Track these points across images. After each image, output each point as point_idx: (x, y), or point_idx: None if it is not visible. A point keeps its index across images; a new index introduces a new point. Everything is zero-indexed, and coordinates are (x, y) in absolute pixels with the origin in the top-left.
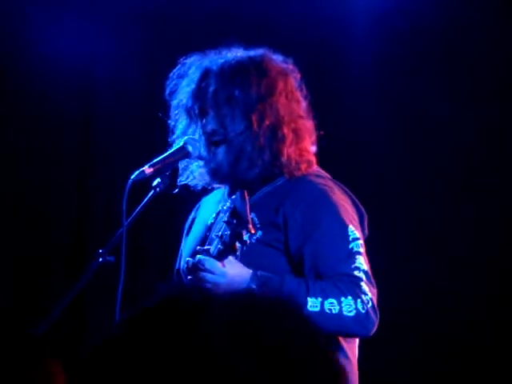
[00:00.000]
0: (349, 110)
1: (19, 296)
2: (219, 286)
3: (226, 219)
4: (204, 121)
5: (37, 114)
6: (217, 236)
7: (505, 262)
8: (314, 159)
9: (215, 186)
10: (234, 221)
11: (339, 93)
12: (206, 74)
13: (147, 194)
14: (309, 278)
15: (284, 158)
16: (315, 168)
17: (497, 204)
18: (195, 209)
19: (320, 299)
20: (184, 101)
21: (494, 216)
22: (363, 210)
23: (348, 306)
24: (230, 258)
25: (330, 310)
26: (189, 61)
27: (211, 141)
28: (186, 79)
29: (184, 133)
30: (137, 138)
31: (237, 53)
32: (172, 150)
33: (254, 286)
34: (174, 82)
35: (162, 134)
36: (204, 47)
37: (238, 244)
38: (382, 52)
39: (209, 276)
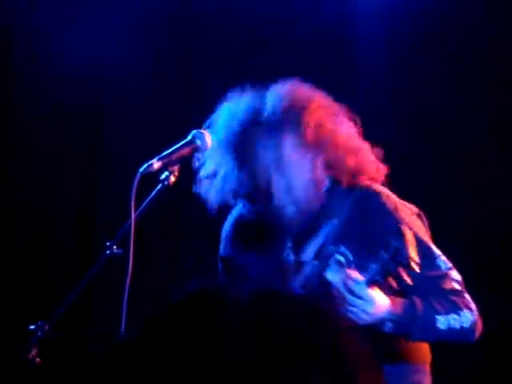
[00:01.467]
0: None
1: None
2: (367, 313)
3: (387, 255)
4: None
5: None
6: (373, 267)
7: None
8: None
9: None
10: (399, 259)
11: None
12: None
13: (155, 188)
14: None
15: (340, 177)
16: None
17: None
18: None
19: (445, 316)
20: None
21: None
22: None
23: (466, 319)
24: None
25: (454, 325)
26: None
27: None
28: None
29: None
30: (147, 130)
31: (276, 96)
32: (180, 144)
33: (393, 316)
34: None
35: (172, 127)
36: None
37: (395, 281)
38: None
39: (357, 302)
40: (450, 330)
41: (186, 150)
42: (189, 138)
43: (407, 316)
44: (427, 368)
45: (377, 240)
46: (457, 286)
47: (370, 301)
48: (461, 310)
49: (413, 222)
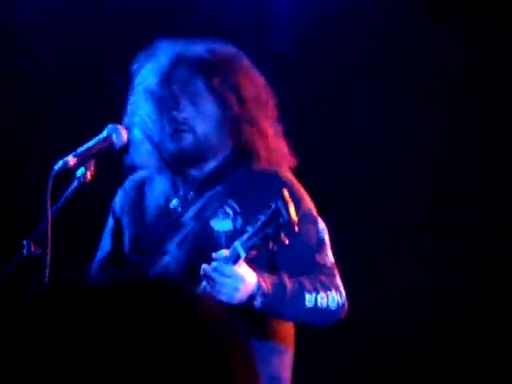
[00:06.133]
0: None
1: None
2: (238, 290)
3: (265, 217)
4: (174, 108)
5: None
6: (250, 230)
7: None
8: (279, 154)
9: (159, 172)
10: (280, 220)
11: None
12: (179, 61)
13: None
14: (285, 271)
15: (250, 152)
16: (276, 161)
17: None
18: (130, 188)
19: (314, 294)
20: (152, 86)
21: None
22: None
23: (332, 300)
24: (241, 261)
25: (321, 304)
26: (158, 44)
27: (178, 129)
28: (152, 62)
29: (148, 117)
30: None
31: (210, 44)
32: (96, 140)
33: (263, 291)
34: (138, 63)
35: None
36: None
37: (273, 243)
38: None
39: (226, 280)
40: (316, 308)
41: (101, 145)
42: (104, 133)
43: (277, 291)
44: (291, 350)
45: (260, 208)
46: (329, 264)
47: (238, 278)
48: (329, 289)
49: (306, 198)
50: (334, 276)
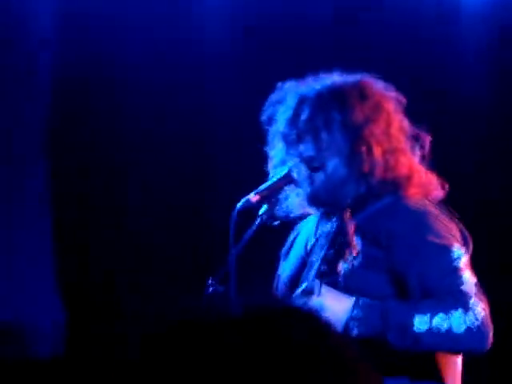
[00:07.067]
0: None
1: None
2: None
3: (329, 239)
4: (301, 147)
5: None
6: (319, 258)
7: None
8: (412, 182)
9: (312, 212)
10: (338, 241)
11: None
12: (302, 100)
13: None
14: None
15: (382, 183)
16: (414, 190)
17: None
18: (293, 232)
19: (429, 315)
20: (281, 128)
21: None
22: (467, 233)
23: (458, 320)
24: (325, 288)
25: (439, 327)
26: (286, 86)
27: (309, 167)
28: (282, 106)
29: (282, 161)
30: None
31: (336, 77)
32: (277, 177)
33: (357, 314)
34: (270, 109)
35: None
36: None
37: (341, 265)
38: None
39: None
40: (432, 331)
41: (282, 182)
42: (285, 170)
43: (373, 314)
44: None
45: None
46: (462, 287)
47: (319, 309)
48: (453, 309)
49: (436, 226)
50: (466, 298)
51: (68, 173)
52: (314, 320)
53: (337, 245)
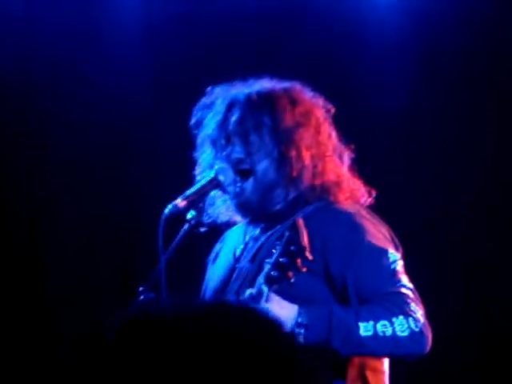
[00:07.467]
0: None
1: None
2: None
3: (280, 247)
4: (229, 150)
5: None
6: (268, 263)
7: None
8: (341, 187)
9: (239, 219)
10: (292, 248)
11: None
12: (232, 104)
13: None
14: (354, 304)
15: (311, 188)
16: (343, 196)
17: None
18: (220, 240)
19: (372, 322)
20: (210, 131)
21: None
22: (397, 240)
23: (401, 326)
24: (272, 295)
25: (384, 332)
26: (216, 91)
27: (237, 170)
28: (212, 110)
29: (210, 165)
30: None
31: (265, 83)
32: (203, 181)
33: (302, 321)
34: (199, 113)
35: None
36: (233, 74)
37: (292, 273)
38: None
39: None
40: (377, 337)
41: (209, 186)
42: (212, 174)
43: (319, 322)
44: None
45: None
46: (402, 290)
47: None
48: (395, 316)
49: (372, 229)
50: (406, 303)
51: None
52: (268, 319)
53: (289, 253)
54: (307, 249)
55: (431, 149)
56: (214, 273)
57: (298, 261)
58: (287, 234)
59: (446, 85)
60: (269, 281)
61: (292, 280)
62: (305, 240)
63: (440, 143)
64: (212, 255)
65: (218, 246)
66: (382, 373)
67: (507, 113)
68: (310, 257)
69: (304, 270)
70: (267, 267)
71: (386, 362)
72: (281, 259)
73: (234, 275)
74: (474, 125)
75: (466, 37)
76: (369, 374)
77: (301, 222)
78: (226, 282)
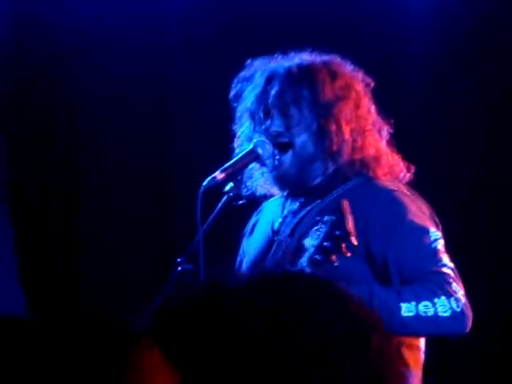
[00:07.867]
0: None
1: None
2: None
3: (325, 230)
4: (268, 123)
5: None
6: (314, 246)
7: None
8: (380, 163)
9: (276, 193)
10: (337, 233)
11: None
12: (271, 77)
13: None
14: (395, 283)
15: (350, 163)
16: (382, 171)
17: None
18: (257, 212)
19: (414, 303)
20: (249, 104)
21: None
22: (437, 218)
23: (443, 307)
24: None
25: (426, 312)
26: (255, 64)
27: (276, 143)
28: (251, 83)
29: (249, 138)
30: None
31: (305, 56)
32: (242, 154)
33: None
34: (239, 86)
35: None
36: (273, 49)
37: (336, 257)
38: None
39: None
40: (420, 317)
41: (247, 159)
42: (250, 146)
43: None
44: (418, 376)
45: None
46: (443, 270)
47: None
48: (437, 296)
49: (412, 207)
50: (447, 282)
51: (27, 161)
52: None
53: (334, 237)
54: (352, 234)
55: (423, 146)
56: (251, 245)
57: (343, 246)
58: (333, 218)
59: (438, 81)
60: (312, 264)
61: (336, 264)
62: (350, 225)
63: (432, 140)
64: (248, 227)
65: (254, 219)
66: (419, 350)
67: (499, 109)
68: (356, 242)
69: (348, 254)
70: (311, 250)
71: (422, 339)
72: (325, 243)
73: (273, 248)
74: (466, 122)
75: (457, 33)
76: (405, 351)
77: (346, 205)
78: (264, 254)
